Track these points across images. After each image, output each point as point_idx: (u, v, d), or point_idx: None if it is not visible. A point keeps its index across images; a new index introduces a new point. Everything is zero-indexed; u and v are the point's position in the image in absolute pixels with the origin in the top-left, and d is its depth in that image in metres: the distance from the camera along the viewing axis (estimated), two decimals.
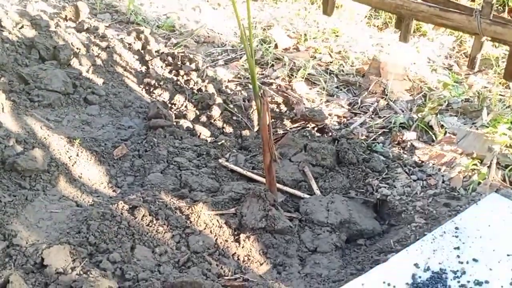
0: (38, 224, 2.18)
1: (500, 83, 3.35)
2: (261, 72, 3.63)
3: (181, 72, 3.39)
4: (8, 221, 2.07)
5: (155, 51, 3.59)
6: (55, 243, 1.92)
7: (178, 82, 3.32)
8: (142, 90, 3.33)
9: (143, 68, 3.50)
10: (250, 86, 3.30)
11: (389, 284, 1.93)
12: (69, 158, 2.58)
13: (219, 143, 2.90)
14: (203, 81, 3.33)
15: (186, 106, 3.18)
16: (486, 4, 2.56)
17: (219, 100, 3.17)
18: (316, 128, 3.08)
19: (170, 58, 3.52)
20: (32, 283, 1.75)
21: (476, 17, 2.57)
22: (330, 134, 3.02)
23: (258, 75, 3.57)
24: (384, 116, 3.15)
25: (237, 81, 3.53)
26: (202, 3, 4.51)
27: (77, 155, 2.61)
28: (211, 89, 3.24)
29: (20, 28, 3.28)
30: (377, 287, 1.93)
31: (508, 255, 2.03)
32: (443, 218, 2.32)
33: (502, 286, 1.90)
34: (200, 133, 2.98)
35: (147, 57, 3.52)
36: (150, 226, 2.16)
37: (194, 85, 3.30)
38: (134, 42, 3.62)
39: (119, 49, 3.50)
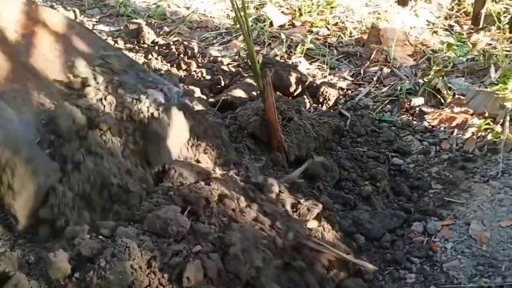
0: None
1: (505, 39, 3.27)
2: (258, 52, 3.55)
3: (181, 64, 3.28)
4: None
5: (151, 42, 3.52)
6: None
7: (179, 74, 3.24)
8: None
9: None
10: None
11: None
12: None
13: None
14: (199, 67, 3.25)
15: None
16: None
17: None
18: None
19: (165, 49, 3.44)
20: None
21: None
22: (336, 107, 2.95)
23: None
24: (389, 84, 3.08)
25: (235, 63, 3.45)
26: None
27: None
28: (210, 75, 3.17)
29: None
30: None
31: None
32: (461, 182, 2.28)
33: None
34: None
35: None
36: None
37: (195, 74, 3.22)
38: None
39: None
